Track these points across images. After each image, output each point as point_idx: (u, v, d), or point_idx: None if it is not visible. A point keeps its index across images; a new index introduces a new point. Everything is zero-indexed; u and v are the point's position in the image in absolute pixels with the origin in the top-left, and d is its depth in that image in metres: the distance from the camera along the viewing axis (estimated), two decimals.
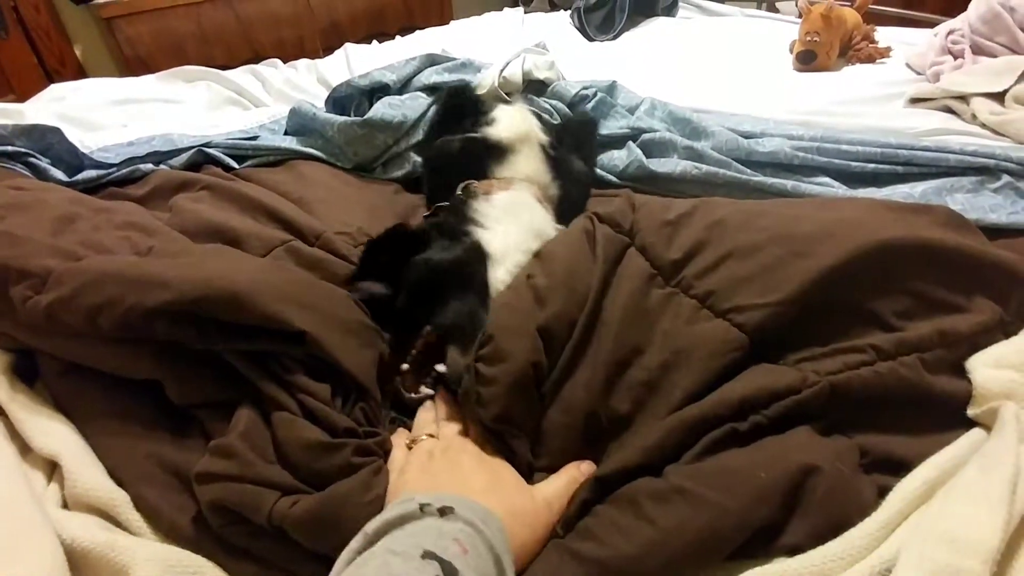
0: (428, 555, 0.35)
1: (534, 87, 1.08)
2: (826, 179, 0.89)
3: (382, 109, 0.98)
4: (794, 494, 0.44)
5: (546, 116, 1.01)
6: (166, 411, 0.55)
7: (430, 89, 1.06)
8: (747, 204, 0.68)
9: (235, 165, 0.95)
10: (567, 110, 1.03)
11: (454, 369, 0.57)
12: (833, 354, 0.53)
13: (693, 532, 0.42)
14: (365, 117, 0.96)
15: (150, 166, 0.95)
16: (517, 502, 0.47)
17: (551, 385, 0.56)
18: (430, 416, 0.58)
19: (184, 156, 0.96)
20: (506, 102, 1.03)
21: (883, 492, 0.44)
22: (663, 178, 0.91)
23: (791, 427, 0.49)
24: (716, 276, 0.60)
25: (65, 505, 0.50)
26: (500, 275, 0.67)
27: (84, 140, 1.03)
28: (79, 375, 0.57)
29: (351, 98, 1.06)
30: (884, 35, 1.57)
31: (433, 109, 1.02)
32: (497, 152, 0.83)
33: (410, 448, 0.54)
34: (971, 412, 0.50)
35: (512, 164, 0.83)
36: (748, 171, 0.90)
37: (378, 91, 1.06)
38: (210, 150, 0.96)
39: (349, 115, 1.01)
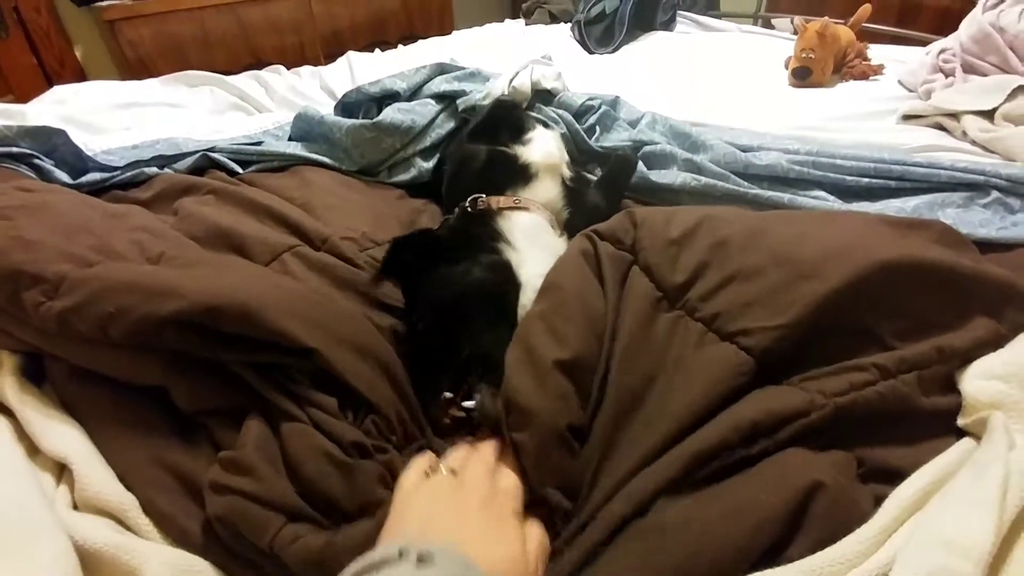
0: None
1: (541, 97, 1.11)
2: (821, 193, 0.91)
3: (392, 113, 1.00)
4: (799, 513, 0.45)
5: (560, 128, 1.04)
6: (174, 416, 0.55)
7: (439, 97, 1.07)
8: (749, 219, 0.69)
9: (239, 170, 0.96)
10: (572, 119, 1.05)
11: (484, 411, 0.54)
12: (837, 372, 0.54)
13: (704, 567, 0.43)
14: (375, 120, 0.98)
15: (154, 169, 0.96)
16: (508, 560, 0.44)
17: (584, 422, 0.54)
18: (463, 452, 0.53)
19: (189, 160, 0.97)
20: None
21: (879, 501, 0.45)
22: (663, 189, 0.93)
23: (792, 445, 0.49)
24: (721, 298, 0.61)
25: (75, 508, 0.51)
26: (524, 301, 0.66)
27: (87, 143, 1.03)
28: (87, 379, 0.57)
29: (360, 104, 1.08)
30: (877, 53, 1.60)
31: (476, 116, 1.03)
32: (523, 173, 0.84)
33: (427, 475, 0.50)
34: (961, 422, 0.52)
35: (533, 188, 0.83)
36: (746, 184, 0.92)
37: (388, 98, 1.08)
38: (215, 155, 0.97)
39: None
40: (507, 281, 0.67)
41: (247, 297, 0.52)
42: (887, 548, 0.41)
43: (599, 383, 0.56)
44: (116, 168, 0.95)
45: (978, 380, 0.51)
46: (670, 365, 0.57)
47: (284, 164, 0.98)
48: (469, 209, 0.78)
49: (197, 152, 0.98)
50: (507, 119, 0.98)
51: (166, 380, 0.54)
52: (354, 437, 0.50)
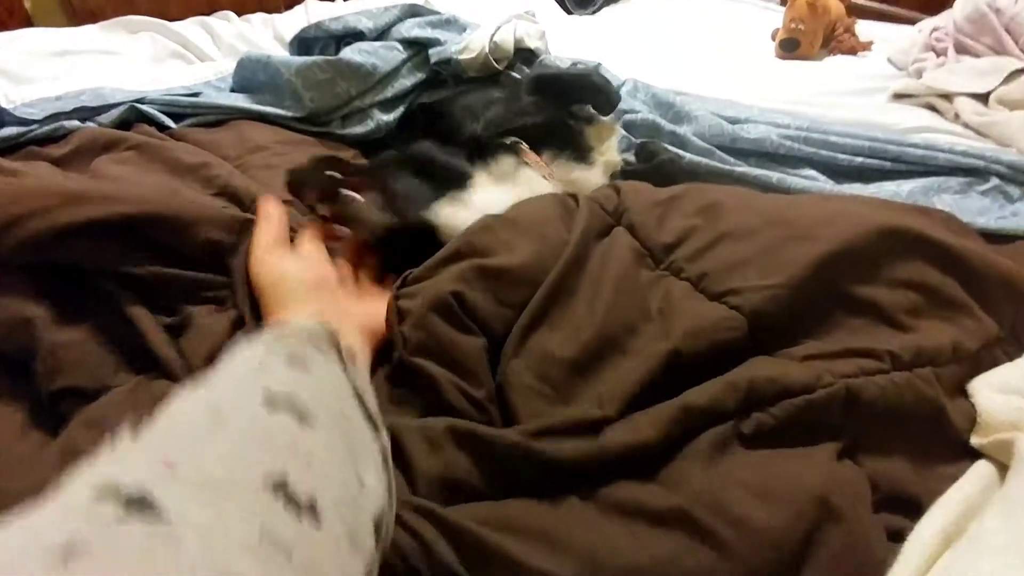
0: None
1: (522, 56, 1.01)
2: (812, 172, 0.85)
3: (351, 53, 0.89)
4: (809, 540, 0.39)
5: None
6: None
7: (408, 43, 0.97)
8: (740, 188, 0.64)
9: (171, 124, 0.85)
10: None
11: (359, 210, 0.57)
12: (846, 355, 0.48)
13: (686, 571, 0.37)
14: (329, 58, 0.88)
15: (75, 123, 0.85)
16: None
17: (517, 331, 0.50)
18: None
19: (115, 113, 0.86)
20: (495, 69, 0.96)
21: (891, 534, 0.40)
22: None
23: (800, 434, 0.43)
24: (709, 258, 0.56)
25: None
26: (459, 216, 0.63)
27: (9, 94, 0.92)
28: None
29: (318, 41, 0.99)
30: (861, 29, 1.54)
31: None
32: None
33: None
34: (976, 442, 0.46)
35: None
36: (732, 160, 0.85)
37: (350, 37, 0.98)
38: (144, 107, 0.86)
39: None
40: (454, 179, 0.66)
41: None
42: None
43: (543, 300, 0.52)
44: (34, 122, 0.84)
45: (994, 393, 0.46)
46: (654, 315, 0.53)
47: (222, 118, 0.87)
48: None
49: (124, 104, 0.87)
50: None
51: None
52: None
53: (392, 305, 0.51)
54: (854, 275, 0.52)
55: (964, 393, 0.49)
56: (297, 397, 0.33)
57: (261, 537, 0.26)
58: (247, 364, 0.36)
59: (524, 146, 0.74)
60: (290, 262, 0.52)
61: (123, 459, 0.28)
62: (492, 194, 0.67)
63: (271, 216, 0.55)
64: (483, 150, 0.69)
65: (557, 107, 0.83)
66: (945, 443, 0.47)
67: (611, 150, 0.83)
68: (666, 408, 0.43)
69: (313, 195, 0.58)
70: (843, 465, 0.43)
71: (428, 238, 0.62)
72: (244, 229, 0.56)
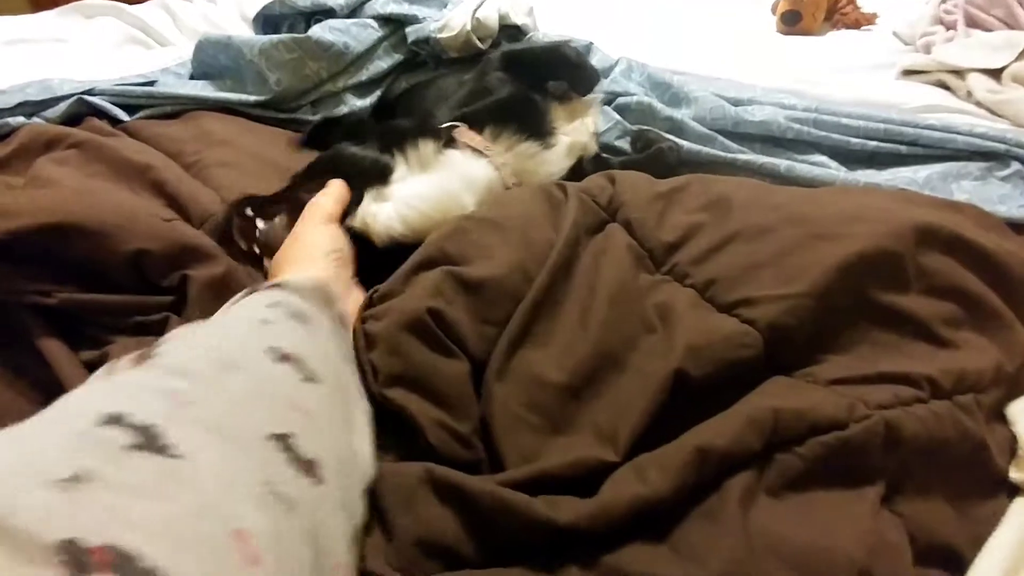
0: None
1: (508, 33, 0.95)
2: (822, 158, 0.79)
3: (321, 31, 0.83)
4: None
5: None
6: None
7: (384, 20, 0.90)
8: (750, 180, 0.57)
9: (124, 117, 0.78)
10: None
11: (269, 235, 0.56)
12: (879, 380, 0.42)
13: None
14: (296, 36, 0.82)
15: (20, 119, 0.77)
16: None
17: (501, 351, 0.45)
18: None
19: (62, 107, 0.79)
20: (478, 48, 0.89)
21: None
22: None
23: (835, 476, 0.38)
24: (718, 261, 0.50)
25: None
26: (382, 211, 0.60)
27: None
28: None
29: (286, 19, 0.92)
30: (864, 1, 1.47)
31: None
32: None
33: None
34: (1016, 477, 0.40)
35: None
36: (735, 147, 0.79)
37: (320, 15, 0.91)
38: (94, 99, 0.79)
39: None
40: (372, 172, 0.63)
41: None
42: None
43: (527, 314, 0.46)
44: None
45: None
46: (656, 325, 0.47)
47: (179, 108, 0.80)
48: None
49: (72, 96, 0.79)
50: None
51: None
52: None
53: (358, 329, 0.45)
54: (885, 281, 0.46)
55: (1001, 417, 0.44)
56: (301, 354, 0.35)
57: (264, 487, 0.26)
58: (251, 318, 0.37)
59: (462, 127, 0.68)
60: (331, 230, 0.54)
61: (127, 390, 0.29)
62: (413, 184, 0.63)
63: (341, 197, 0.58)
64: (403, 138, 0.64)
65: (529, 84, 0.77)
66: (984, 479, 0.41)
67: (580, 131, 0.77)
68: (678, 450, 0.38)
69: (240, 240, 0.58)
70: (884, 521, 0.37)
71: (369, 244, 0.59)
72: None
